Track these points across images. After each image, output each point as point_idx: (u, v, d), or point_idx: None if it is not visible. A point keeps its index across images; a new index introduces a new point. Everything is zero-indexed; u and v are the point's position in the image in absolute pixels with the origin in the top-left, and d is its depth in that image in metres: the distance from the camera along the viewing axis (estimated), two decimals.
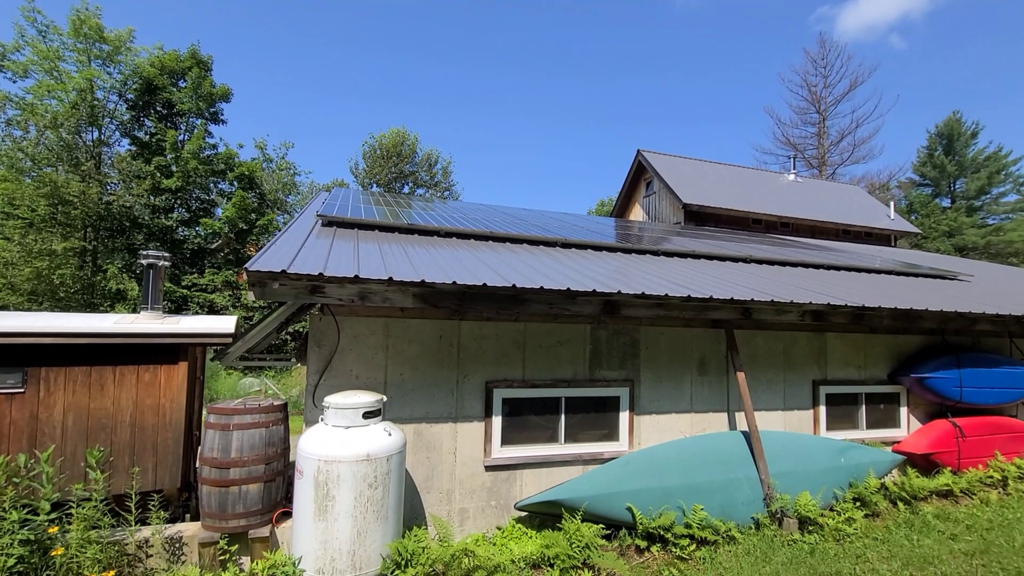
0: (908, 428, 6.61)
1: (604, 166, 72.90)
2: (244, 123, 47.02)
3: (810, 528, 4.89)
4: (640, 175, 18.10)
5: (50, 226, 16.66)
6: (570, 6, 70.66)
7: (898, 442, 6.41)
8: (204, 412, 5.26)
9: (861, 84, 32.74)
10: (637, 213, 18.31)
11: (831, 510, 5.18)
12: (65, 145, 17.70)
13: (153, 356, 5.49)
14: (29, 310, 15.17)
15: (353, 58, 65.05)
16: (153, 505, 4.02)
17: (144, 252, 5.79)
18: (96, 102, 18.26)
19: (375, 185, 28.23)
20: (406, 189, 29.08)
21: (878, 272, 8.72)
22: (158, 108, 19.99)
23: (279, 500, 4.23)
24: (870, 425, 6.43)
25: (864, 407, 6.42)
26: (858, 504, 5.31)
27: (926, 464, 6.21)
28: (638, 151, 17.60)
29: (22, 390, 4.45)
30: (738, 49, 63.28)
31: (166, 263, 6.02)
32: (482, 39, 72.14)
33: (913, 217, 30.61)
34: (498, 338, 4.97)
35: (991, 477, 6.16)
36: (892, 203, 18.82)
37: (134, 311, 15.52)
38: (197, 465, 5.33)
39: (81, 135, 18.34)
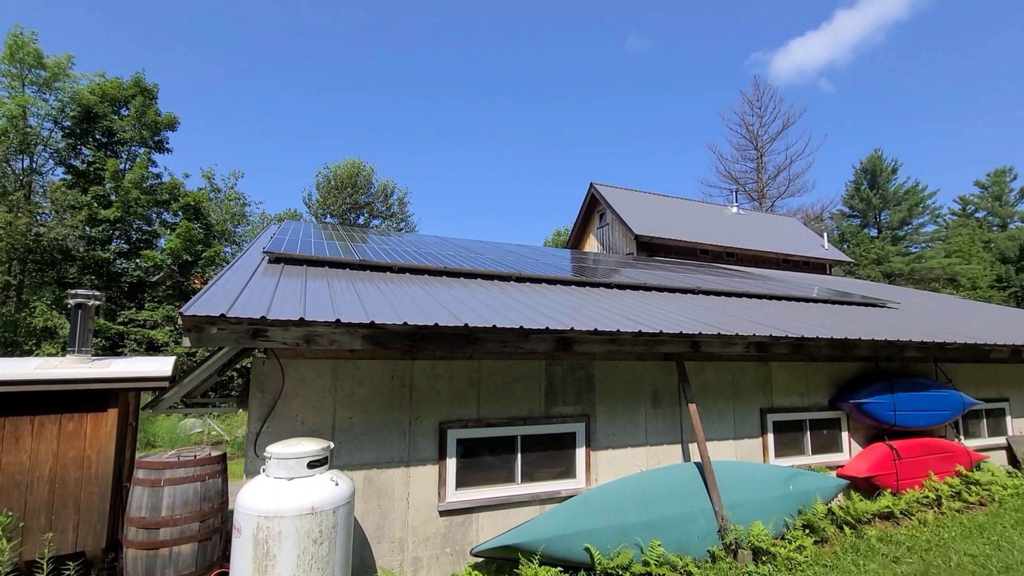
0: (850, 452, 6.88)
1: (561, 195, 74.66)
2: (194, 154, 45.56)
3: (763, 558, 4.95)
4: (594, 207, 18.62)
5: None
6: (523, 37, 73.29)
7: (842, 466, 6.65)
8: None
9: (793, 124, 35.21)
10: (592, 244, 18.74)
11: (782, 538, 5.27)
12: None
13: (79, 403, 5.09)
14: None
15: (305, 89, 64.71)
16: (68, 575, 3.66)
17: (71, 292, 5.43)
18: (29, 129, 17.30)
19: (329, 216, 27.75)
20: (361, 220, 28.73)
21: (815, 301, 9.20)
22: (97, 136, 19.13)
23: (215, 560, 3.93)
24: (815, 450, 6.66)
25: (809, 433, 6.66)
26: (807, 531, 5.44)
27: (868, 487, 6.46)
28: (591, 184, 18.14)
29: None
30: (683, 88, 67.12)
31: (97, 302, 5.66)
32: (436, 70, 73.50)
33: (845, 246, 32.72)
34: (452, 377, 4.89)
35: (927, 497, 6.47)
36: (825, 234, 20.09)
37: (64, 350, 14.40)
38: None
39: (9, 163, 17.26)
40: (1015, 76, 59.67)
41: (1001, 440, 8.27)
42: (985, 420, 8.24)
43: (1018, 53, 59.21)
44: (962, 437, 7.81)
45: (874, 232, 35.75)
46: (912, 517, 6.16)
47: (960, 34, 61.65)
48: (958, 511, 6.42)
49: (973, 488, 6.82)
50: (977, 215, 38.59)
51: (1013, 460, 8.15)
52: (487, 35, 74.22)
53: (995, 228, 37.28)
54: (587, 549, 4.45)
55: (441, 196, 66.32)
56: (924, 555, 5.15)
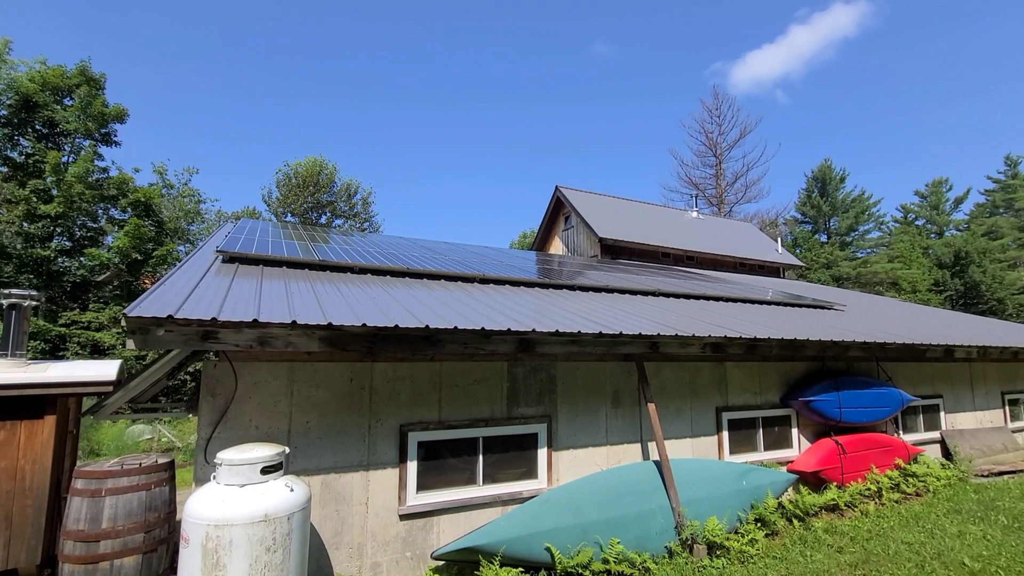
0: (799, 448, 7.18)
1: (527, 197, 74.99)
2: (147, 149, 43.54)
3: (718, 552, 5.11)
4: (559, 210, 18.80)
5: None
6: (490, 40, 73.41)
7: (791, 461, 6.93)
8: None
9: (750, 132, 36.84)
10: (557, 246, 18.91)
11: (736, 532, 5.45)
12: None
13: (11, 411, 4.80)
14: None
15: (270, 89, 62.86)
16: None
17: (4, 291, 5.11)
18: None
19: (290, 215, 27.01)
20: (324, 220, 28.09)
21: (768, 304, 9.57)
22: (38, 127, 18.02)
23: (162, 573, 3.77)
24: (767, 447, 6.92)
25: (761, 430, 6.91)
26: (759, 524, 5.64)
27: (815, 481, 6.75)
28: (556, 187, 18.31)
29: None
30: (647, 94, 68.66)
31: (34, 302, 5.35)
32: (400, 73, 72.77)
33: (798, 251, 34.14)
34: (413, 379, 4.84)
35: (868, 489, 6.82)
36: (779, 239, 20.91)
37: None
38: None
39: None
40: (951, 91, 63.93)
41: (936, 434, 8.80)
42: (922, 416, 8.75)
43: (951, 70, 63.47)
44: (901, 432, 8.27)
45: (824, 238, 37.44)
46: (855, 508, 6.48)
47: (902, 52, 65.53)
48: (897, 502, 6.80)
49: (910, 480, 7.24)
50: (917, 223, 40.94)
51: (946, 453, 8.68)
52: (453, 37, 74.02)
53: (933, 235, 39.62)
54: (548, 549, 4.49)
55: (406, 198, 65.62)
56: (866, 544, 5.42)
